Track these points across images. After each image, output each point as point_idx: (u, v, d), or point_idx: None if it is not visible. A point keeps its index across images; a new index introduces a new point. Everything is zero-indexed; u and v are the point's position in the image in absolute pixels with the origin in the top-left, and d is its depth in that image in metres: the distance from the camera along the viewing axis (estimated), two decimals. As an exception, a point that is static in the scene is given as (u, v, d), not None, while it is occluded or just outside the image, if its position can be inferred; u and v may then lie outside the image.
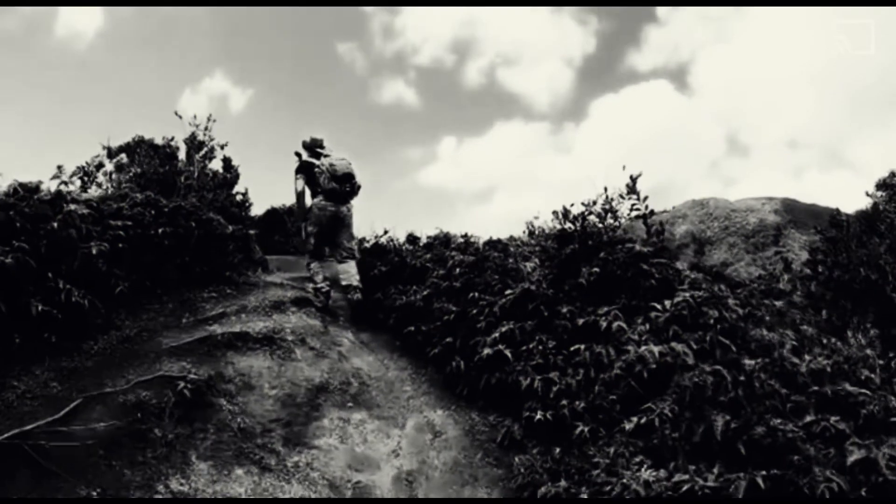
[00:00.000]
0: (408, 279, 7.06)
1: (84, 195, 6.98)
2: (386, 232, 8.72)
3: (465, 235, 9.38)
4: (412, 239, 8.67)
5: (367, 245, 8.82)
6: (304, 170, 7.03)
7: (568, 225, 6.35)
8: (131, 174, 10.63)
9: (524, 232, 14.71)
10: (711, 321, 5.26)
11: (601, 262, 5.86)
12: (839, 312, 8.03)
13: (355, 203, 7.14)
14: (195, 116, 11.00)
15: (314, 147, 7.13)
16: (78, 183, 11.03)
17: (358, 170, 6.98)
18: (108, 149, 11.37)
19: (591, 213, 6.52)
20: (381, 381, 5.92)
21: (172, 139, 11.22)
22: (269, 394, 5.32)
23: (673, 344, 5.00)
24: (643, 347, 4.97)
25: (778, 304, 6.16)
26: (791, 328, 5.62)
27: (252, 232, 8.57)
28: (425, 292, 6.39)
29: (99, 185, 11.02)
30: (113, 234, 6.40)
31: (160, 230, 6.83)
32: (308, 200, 7.15)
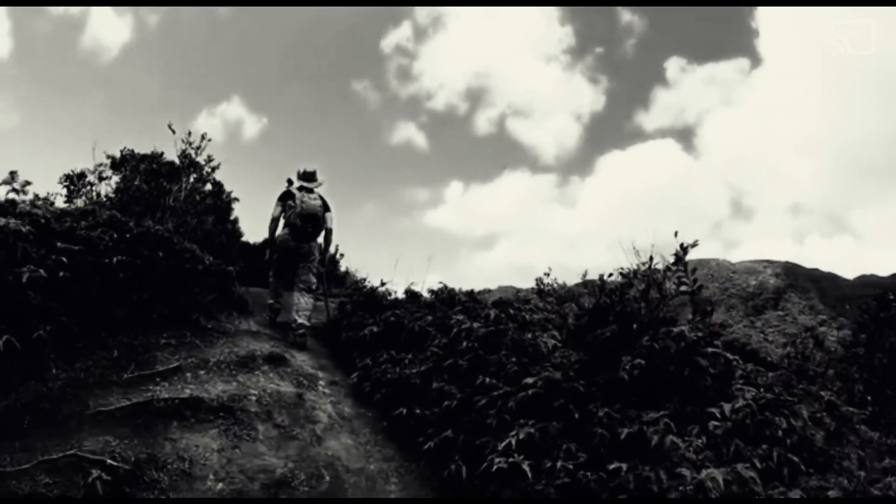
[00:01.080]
0: (404, 345, 5.82)
1: (35, 209, 5.79)
2: (383, 284, 7.49)
3: (471, 293, 8.19)
4: (412, 296, 7.45)
5: (357, 293, 7.59)
6: (283, 199, 6.95)
7: (604, 300, 5.16)
8: (114, 188, 9.47)
9: (533, 289, 13.54)
10: (780, 433, 4.08)
11: (646, 350, 4.66)
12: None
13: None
14: (189, 133, 9.90)
15: (305, 178, 6.99)
16: (64, 193, 9.91)
17: (336, 214, 7.05)
18: (113, 158, 10.26)
19: (631, 284, 5.33)
20: (361, 476, 4.61)
21: (161, 154, 10.10)
22: (211, 488, 4.03)
23: (738, 466, 3.78)
24: (704, 472, 3.73)
25: (825, 395, 4.99)
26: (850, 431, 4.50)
27: (232, 268, 7.36)
28: (423, 367, 5.15)
29: (89, 199, 9.87)
30: (55, 260, 5.20)
31: (115, 259, 5.62)
32: (280, 229, 7.10)
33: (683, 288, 5.39)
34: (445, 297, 7.41)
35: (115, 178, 10.00)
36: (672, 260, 5.60)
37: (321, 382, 5.87)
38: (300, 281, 6.97)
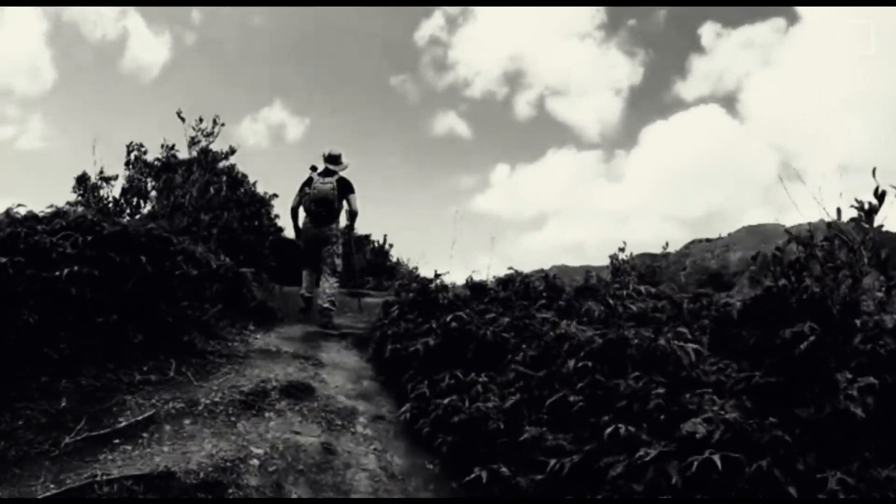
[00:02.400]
0: (473, 361, 3.97)
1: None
2: (438, 276, 5.65)
3: (547, 278, 6.29)
4: (476, 289, 5.59)
5: (405, 289, 5.79)
6: (302, 187, 6.74)
7: (782, 282, 3.20)
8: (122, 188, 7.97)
9: (608, 267, 11.50)
10: None
11: (868, 359, 2.73)
12: None
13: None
14: (200, 119, 8.29)
15: (329, 161, 6.69)
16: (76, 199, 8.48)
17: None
18: (144, 161, 8.78)
19: (812, 255, 3.35)
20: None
21: (173, 147, 8.52)
22: None
23: None
24: None
25: None
26: None
27: (248, 270, 5.71)
28: (508, 402, 3.28)
29: (96, 202, 8.43)
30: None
31: (65, 271, 3.98)
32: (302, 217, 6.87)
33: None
34: (519, 288, 5.53)
35: (125, 177, 8.48)
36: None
37: (361, 420, 4.09)
38: (325, 265, 6.67)
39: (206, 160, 8.02)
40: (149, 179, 8.35)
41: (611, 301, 4.72)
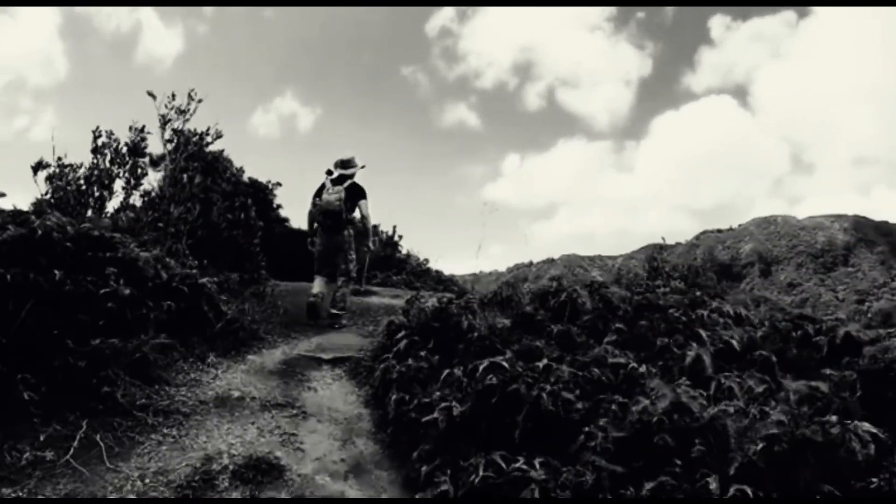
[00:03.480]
0: (525, 437, 2.57)
1: None
2: (462, 295, 4.29)
3: (597, 289, 4.93)
4: (520, 319, 4.14)
5: (421, 308, 4.39)
6: (316, 195, 6.68)
7: None
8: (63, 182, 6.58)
9: (645, 268, 10.05)
10: None
11: None
12: None
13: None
14: (173, 96, 6.88)
15: (341, 166, 6.66)
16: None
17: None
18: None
19: None
20: None
21: (143, 129, 7.11)
22: None
23: None
24: None
25: None
26: None
27: (210, 281, 4.35)
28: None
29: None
30: None
31: None
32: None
33: None
34: (562, 304, 4.12)
35: (87, 165, 7.10)
36: None
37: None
38: (338, 272, 6.75)
39: (180, 142, 6.61)
40: (114, 168, 6.97)
41: (704, 334, 3.30)
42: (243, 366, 4.29)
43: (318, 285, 6.76)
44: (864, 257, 66.62)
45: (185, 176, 6.42)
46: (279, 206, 16.81)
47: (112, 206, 7.02)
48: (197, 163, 6.69)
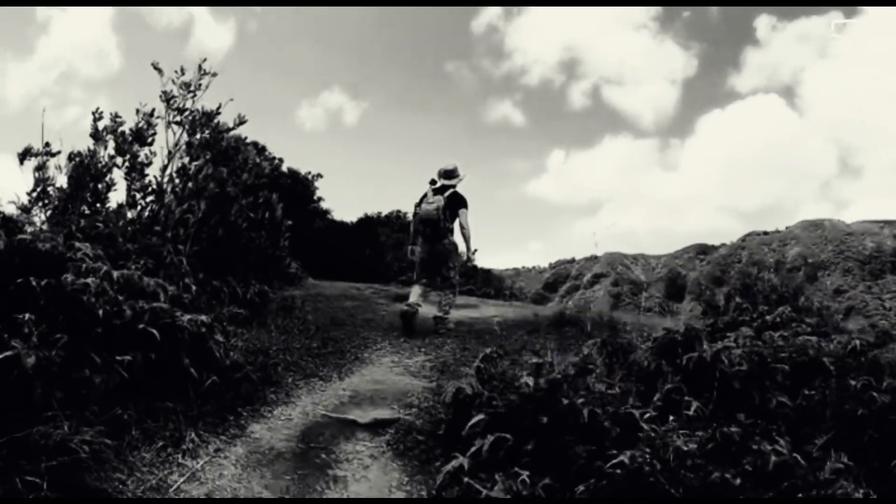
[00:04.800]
0: None
1: None
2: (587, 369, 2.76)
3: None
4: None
5: (509, 392, 2.94)
6: (417, 204, 6.69)
7: None
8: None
9: (735, 286, 8.31)
10: None
11: None
12: None
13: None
14: (182, 70, 5.56)
15: (445, 176, 6.61)
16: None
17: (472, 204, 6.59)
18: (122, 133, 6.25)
19: None
20: None
21: (152, 113, 5.79)
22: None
23: None
24: None
25: None
26: None
27: (191, 320, 2.99)
28: None
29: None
30: None
31: None
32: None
33: None
34: (698, 364, 2.64)
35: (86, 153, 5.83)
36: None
37: None
38: (441, 277, 6.68)
39: (186, 124, 5.28)
40: (117, 157, 5.71)
41: None
42: (240, 447, 2.91)
43: (414, 294, 6.60)
44: (915, 266, 62.62)
45: (193, 166, 5.08)
46: (320, 199, 15.55)
47: (115, 203, 5.78)
48: (209, 150, 5.34)
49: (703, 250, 73.86)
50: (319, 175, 16.01)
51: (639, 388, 3.20)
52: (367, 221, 17.15)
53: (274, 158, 15.47)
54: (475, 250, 8.18)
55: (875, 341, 4.93)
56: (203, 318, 3.07)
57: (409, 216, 7.17)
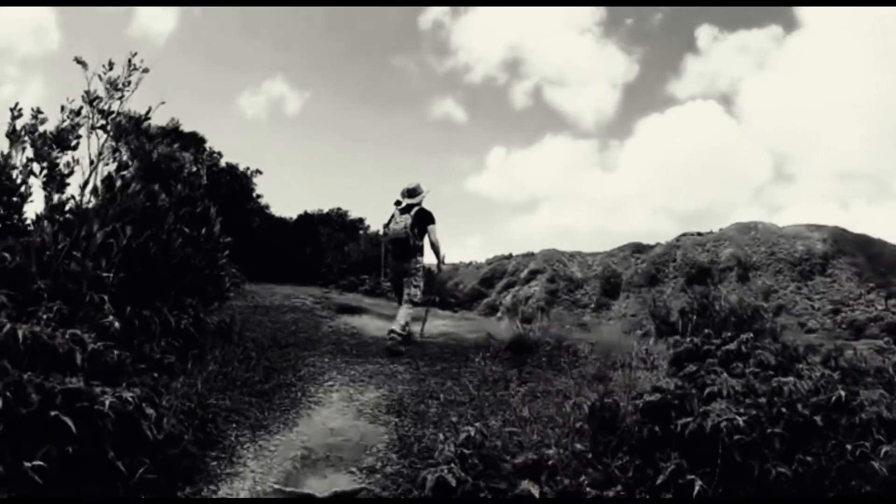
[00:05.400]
0: None
1: None
2: None
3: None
4: None
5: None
6: (386, 224, 7.01)
7: None
8: None
9: (692, 306, 8.21)
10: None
11: None
12: None
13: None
14: (110, 65, 4.87)
15: (408, 195, 6.91)
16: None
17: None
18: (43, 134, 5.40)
19: None
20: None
21: (79, 112, 5.04)
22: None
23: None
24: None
25: None
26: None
27: (114, 399, 2.46)
28: None
29: None
30: None
31: None
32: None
33: None
34: (696, 433, 2.37)
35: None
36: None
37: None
38: (405, 295, 6.89)
39: (114, 127, 4.61)
40: (33, 160, 4.96)
41: None
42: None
43: (403, 312, 6.76)
44: (842, 268, 66.72)
45: (119, 179, 4.42)
46: (259, 196, 14.79)
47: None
48: (138, 159, 4.68)
49: (638, 249, 76.21)
50: (259, 171, 15.18)
51: (634, 461, 2.88)
52: (307, 219, 16.43)
53: (213, 153, 14.55)
54: (444, 255, 7.64)
55: (843, 378, 4.85)
56: (129, 395, 2.52)
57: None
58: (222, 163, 14.38)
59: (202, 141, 15.60)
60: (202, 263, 5.39)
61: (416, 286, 6.90)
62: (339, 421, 4.30)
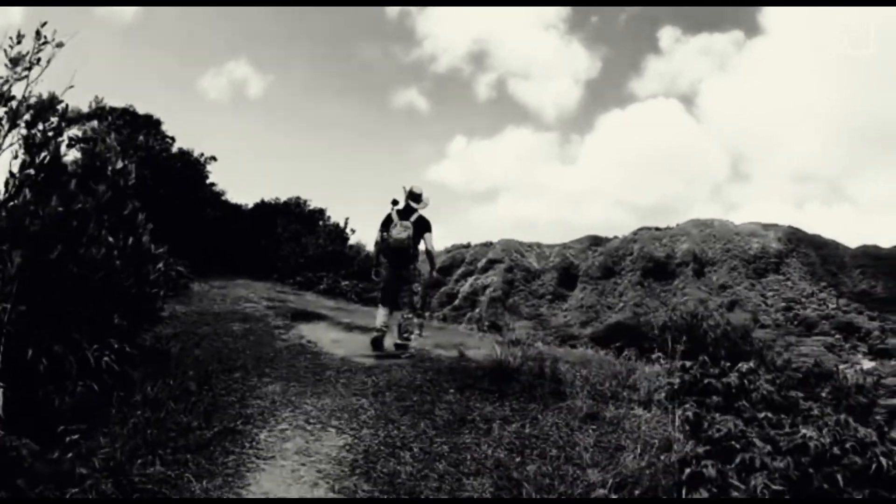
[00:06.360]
0: None
1: None
2: None
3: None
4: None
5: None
6: (383, 227, 6.90)
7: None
8: None
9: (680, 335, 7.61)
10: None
11: None
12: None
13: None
14: (18, 37, 3.91)
15: (412, 199, 6.85)
16: None
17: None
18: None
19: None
20: None
21: None
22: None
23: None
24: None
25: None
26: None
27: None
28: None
29: None
30: None
31: None
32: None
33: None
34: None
35: None
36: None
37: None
38: (402, 303, 6.87)
39: (10, 115, 3.66)
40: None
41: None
42: None
43: (381, 317, 6.80)
44: (795, 267, 68.64)
45: (12, 185, 3.50)
46: (213, 185, 13.82)
47: None
48: (45, 153, 3.74)
49: (596, 241, 76.65)
50: (213, 158, 14.23)
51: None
52: (264, 208, 15.56)
53: (165, 138, 13.45)
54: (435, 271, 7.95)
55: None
56: None
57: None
58: (174, 148, 13.32)
59: (157, 123, 14.47)
60: (129, 281, 4.50)
61: (415, 293, 7.03)
62: (293, 490, 3.53)
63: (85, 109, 4.46)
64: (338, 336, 7.76)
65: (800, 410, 5.16)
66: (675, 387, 5.42)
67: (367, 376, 5.77)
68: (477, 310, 62.19)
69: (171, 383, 4.64)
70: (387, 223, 6.80)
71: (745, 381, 5.32)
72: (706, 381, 5.30)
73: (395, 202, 6.87)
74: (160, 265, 4.89)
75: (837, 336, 57.33)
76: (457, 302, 69.32)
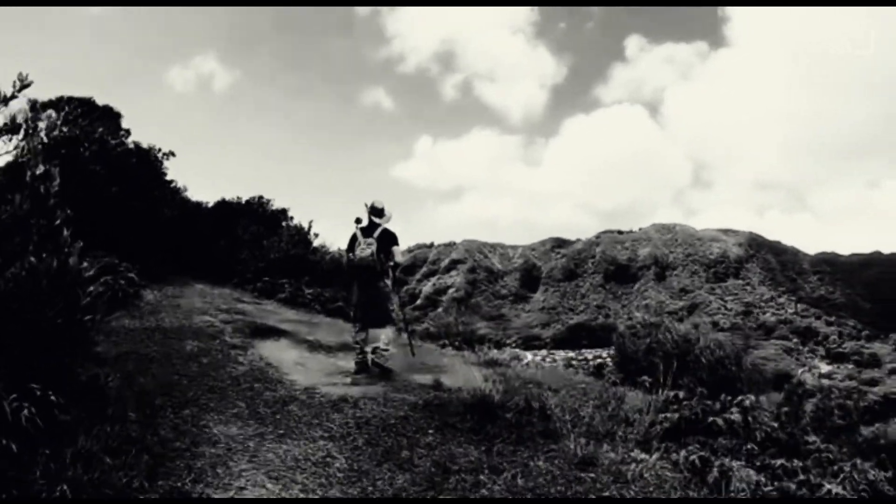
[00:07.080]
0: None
1: None
2: None
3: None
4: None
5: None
6: (349, 248, 6.90)
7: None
8: None
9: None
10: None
11: None
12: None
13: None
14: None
15: (374, 214, 6.78)
16: None
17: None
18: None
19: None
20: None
21: None
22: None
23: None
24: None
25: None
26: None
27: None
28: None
29: None
30: None
31: None
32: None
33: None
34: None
35: None
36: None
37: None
38: (381, 321, 6.76)
39: None
40: None
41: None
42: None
43: (357, 337, 6.73)
44: (755, 272, 70.41)
45: None
46: (171, 181, 12.98)
47: None
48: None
49: (559, 244, 77.20)
50: (171, 153, 13.39)
51: None
52: (225, 207, 14.77)
53: (120, 130, 12.56)
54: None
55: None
56: None
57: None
58: (129, 143, 12.44)
59: (117, 116, 13.51)
60: (52, 312, 3.77)
61: (391, 309, 6.95)
62: None
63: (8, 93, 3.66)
64: (301, 357, 7.13)
65: (808, 452, 4.79)
66: (675, 425, 4.98)
67: (334, 411, 5.18)
68: (439, 309, 61.75)
69: (108, 430, 3.95)
70: (352, 243, 6.76)
71: (750, 418, 4.93)
72: (709, 419, 4.89)
73: (358, 220, 6.82)
74: (90, 289, 4.15)
75: (796, 340, 58.91)
76: (419, 302, 68.86)
